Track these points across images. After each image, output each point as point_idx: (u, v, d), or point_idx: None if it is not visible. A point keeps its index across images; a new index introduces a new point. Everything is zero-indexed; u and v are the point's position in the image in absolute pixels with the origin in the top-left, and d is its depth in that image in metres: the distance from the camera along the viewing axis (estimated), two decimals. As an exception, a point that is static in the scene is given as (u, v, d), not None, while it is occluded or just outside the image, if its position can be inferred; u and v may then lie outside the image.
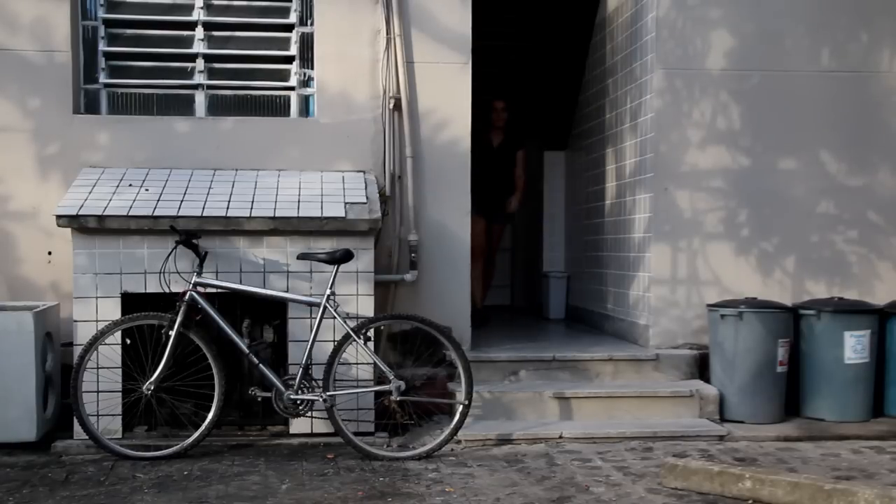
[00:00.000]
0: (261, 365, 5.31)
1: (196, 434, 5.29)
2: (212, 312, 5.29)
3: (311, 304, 5.42)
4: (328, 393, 5.23)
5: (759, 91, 6.60)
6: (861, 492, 4.14)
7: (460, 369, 5.35)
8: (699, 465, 4.67)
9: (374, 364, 5.40)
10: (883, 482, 4.65)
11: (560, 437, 5.61)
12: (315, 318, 5.35)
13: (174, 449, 5.22)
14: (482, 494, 4.54)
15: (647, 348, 6.56)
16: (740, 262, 6.61)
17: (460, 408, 5.35)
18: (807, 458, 5.28)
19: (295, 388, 5.26)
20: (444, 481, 4.76)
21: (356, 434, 5.29)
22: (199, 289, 5.33)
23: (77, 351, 5.30)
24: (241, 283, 5.53)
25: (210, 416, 5.31)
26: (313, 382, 5.33)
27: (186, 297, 5.27)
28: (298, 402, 5.27)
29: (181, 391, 5.39)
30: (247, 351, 5.33)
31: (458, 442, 5.51)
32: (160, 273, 5.43)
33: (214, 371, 5.32)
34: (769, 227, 6.63)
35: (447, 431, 5.33)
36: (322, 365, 5.32)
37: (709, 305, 6.32)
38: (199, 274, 5.36)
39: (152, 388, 5.23)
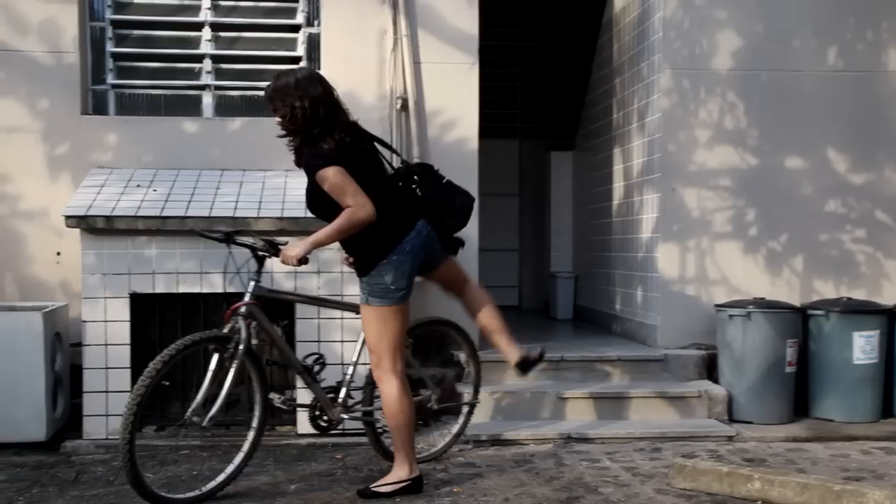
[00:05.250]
0: (314, 384, 4.73)
1: (238, 459, 4.61)
2: (269, 329, 4.63)
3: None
4: (369, 407, 4.89)
5: (766, 91, 6.59)
6: (871, 493, 4.12)
7: (473, 371, 5.36)
8: (708, 466, 4.67)
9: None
10: (893, 483, 4.64)
11: (568, 438, 5.61)
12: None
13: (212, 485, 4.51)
14: (490, 495, 4.53)
15: (655, 348, 6.55)
16: (748, 262, 6.60)
17: (467, 408, 5.35)
18: (816, 458, 5.27)
19: (341, 403, 4.79)
20: (453, 482, 4.76)
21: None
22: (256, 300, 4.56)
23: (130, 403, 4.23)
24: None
25: (251, 436, 4.65)
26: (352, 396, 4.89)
27: (243, 310, 4.43)
28: (346, 417, 4.83)
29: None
30: (301, 369, 4.73)
31: (467, 442, 5.51)
32: (234, 274, 4.61)
33: (257, 390, 4.66)
34: (777, 227, 6.62)
35: (454, 431, 5.33)
36: (332, 363, 5.28)
37: (717, 305, 6.31)
38: (258, 282, 4.53)
39: (206, 422, 4.34)
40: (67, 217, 5.49)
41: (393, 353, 4.45)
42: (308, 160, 4.33)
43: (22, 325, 5.35)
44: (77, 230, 5.53)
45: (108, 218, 5.48)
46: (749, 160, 6.61)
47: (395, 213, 4.45)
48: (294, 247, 4.30)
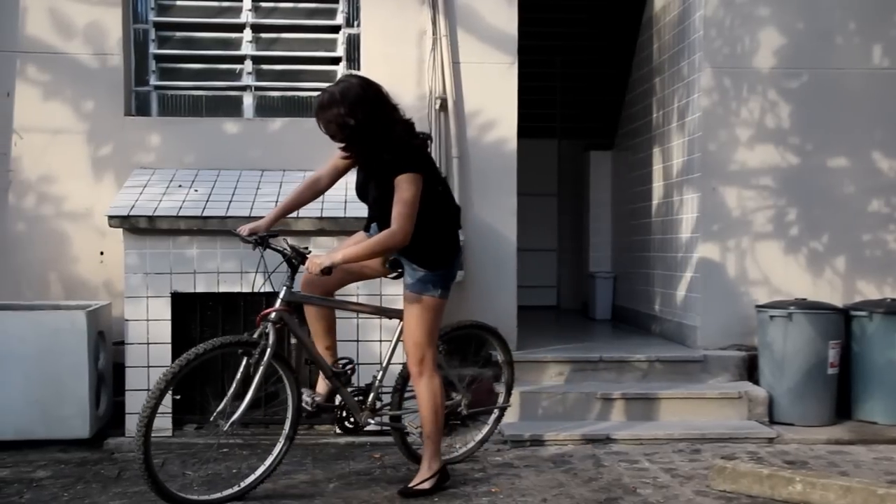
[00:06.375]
0: (343, 388, 4.63)
1: (262, 468, 4.55)
2: (300, 334, 4.57)
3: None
4: (397, 412, 4.81)
5: (808, 89, 6.52)
6: (915, 496, 4.08)
7: (506, 375, 5.34)
8: (748, 468, 4.63)
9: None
10: (937, 486, 4.57)
11: (607, 438, 5.59)
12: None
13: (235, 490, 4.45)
14: (528, 495, 4.53)
15: (694, 349, 6.51)
16: (790, 262, 6.53)
17: (497, 412, 5.33)
18: (859, 461, 5.21)
19: (369, 407, 4.69)
20: (490, 481, 4.77)
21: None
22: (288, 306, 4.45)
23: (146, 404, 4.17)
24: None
25: (280, 444, 4.59)
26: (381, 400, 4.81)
27: (273, 316, 4.35)
28: (373, 422, 4.73)
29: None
30: (331, 374, 4.59)
31: (505, 442, 5.51)
32: (266, 278, 4.44)
33: (289, 395, 4.59)
34: (819, 227, 6.55)
35: (479, 437, 5.28)
36: (370, 363, 5.31)
37: (757, 306, 6.25)
38: (290, 288, 4.41)
39: (227, 427, 4.31)
40: (111, 217, 5.56)
41: (435, 348, 4.54)
42: (392, 160, 4.23)
43: (66, 323, 5.43)
44: (120, 230, 5.59)
45: (151, 218, 5.54)
46: (790, 159, 6.54)
47: (456, 210, 4.57)
48: (320, 257, 4.22)
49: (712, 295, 6.51)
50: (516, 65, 6.45)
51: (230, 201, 5.74)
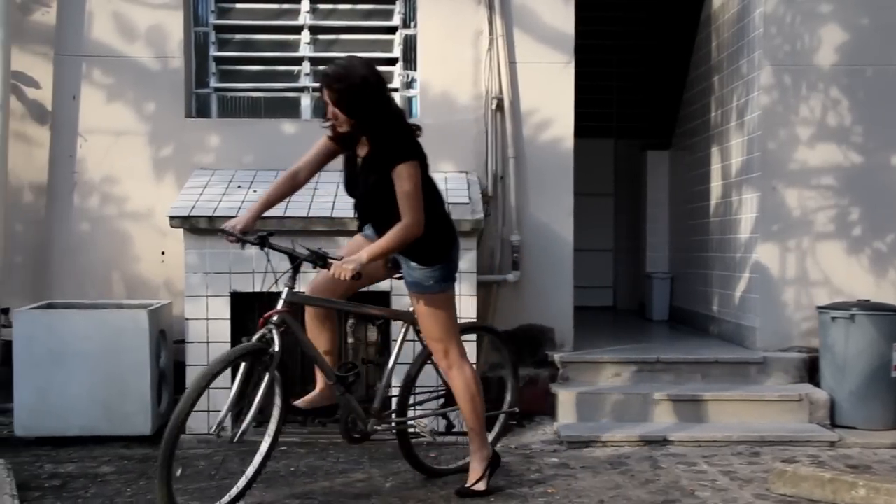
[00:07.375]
0: (346, 395, 4.47)
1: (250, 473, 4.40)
2: (303, 337, 4.43)
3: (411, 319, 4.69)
4: (402, 418, 4.71)
5: (872, 86, 6.39)
6: (983, 503, 3.98)
7: (510, 380, 5.21)
8: (810, 472, 4.56)
9: None
10: None
11: (664, 440, 5.54)
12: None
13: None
14: (585, 496, 4.51)
15: (753, 351, 6.42)
16: (852, 263, 6.42)
17: (504, 417, 5.20)
18: (924, 466, 5.11)
19: (374, 413, 4.58)
20: (547, 482, 4.76)
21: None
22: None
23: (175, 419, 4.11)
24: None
25: (265, 444, 4.45)
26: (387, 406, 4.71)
27: (276, 319, 4.23)
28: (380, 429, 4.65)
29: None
30: (334, 379, 4.44)
31: (561, 443, 5.50)
32: (274, 280, 4.45)
33: (278, 396, 4.42)
34: (883, 226, 6.42)
35: (492, 435, 5.11)
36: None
37: (819, 307, 6.15)
38: (292, 289, 4.31)
39: (236, 439, 4.24)
40: (171, 217, 5.65)
41: (458, 337, 4.52)
42: (391, 147, 4.18)
43: (129, 322, 5.53)
44: (181, 230, 5.68)
45: (211, 218, 5.61)
46: (853, 158, 6.42)
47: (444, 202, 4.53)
48: (348, 262, 4.09)
49: (772, 296, 6.42)
50: (573, 64, 6.43)
51: (288, 202, 5.75)
